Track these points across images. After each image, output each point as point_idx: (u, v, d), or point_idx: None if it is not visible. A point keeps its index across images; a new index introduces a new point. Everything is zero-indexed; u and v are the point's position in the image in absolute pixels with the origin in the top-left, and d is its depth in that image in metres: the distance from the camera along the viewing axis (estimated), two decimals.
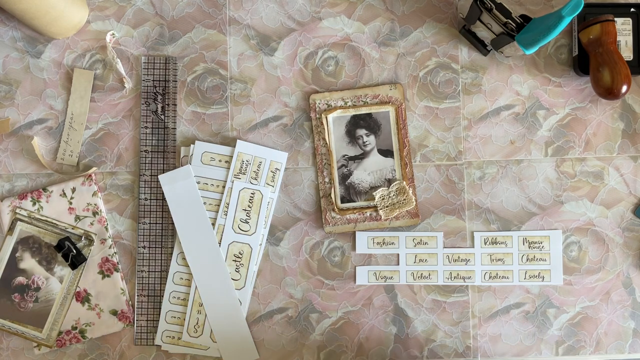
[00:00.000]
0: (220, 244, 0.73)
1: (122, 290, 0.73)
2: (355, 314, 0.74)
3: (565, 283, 0.74)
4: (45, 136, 0.74)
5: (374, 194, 0.73)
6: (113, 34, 0.74)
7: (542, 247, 0.74)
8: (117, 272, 0.73)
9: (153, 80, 0.74)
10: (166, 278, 0.73)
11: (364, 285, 0.74)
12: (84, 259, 0.72)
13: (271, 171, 0.74)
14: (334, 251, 0.74)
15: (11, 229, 0.72)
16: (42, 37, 0.75)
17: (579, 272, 0.75)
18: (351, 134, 0.74)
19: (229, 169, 0.74)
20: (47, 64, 0.75)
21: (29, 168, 0.74)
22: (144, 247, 0.73)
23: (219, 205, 0.73)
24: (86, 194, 0.73)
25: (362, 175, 0.74)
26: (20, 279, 0.72)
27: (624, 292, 0.75)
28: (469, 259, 0.74)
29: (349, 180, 0.74)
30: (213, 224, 0.73)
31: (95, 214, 0.73)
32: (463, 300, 0.74)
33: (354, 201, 0.74)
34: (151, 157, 0.74)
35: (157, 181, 0.74)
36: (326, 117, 0.74)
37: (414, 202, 0.73)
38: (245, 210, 0.73)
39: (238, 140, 0.74)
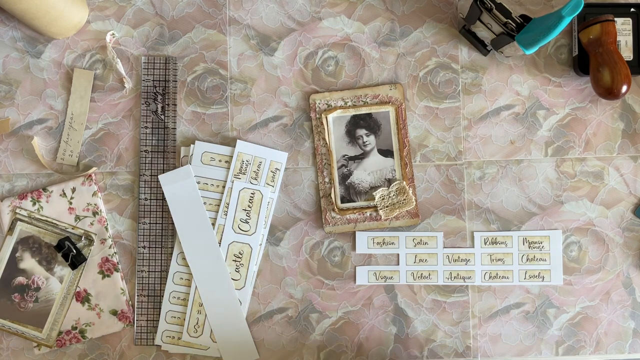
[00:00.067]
0: (220, 244, 0.73)
1: (122, 290, 0.73)
2: (355, 314, 0.74)
3: (565, 283, 0.74)
4: (45, 136, 0.74)
5: (374, 194, 0.73)
6: (113, 34, 0.74)
7: (542, 247, 0.74)
8: (117, 272, 0.73)
9: (153, 80, 0.74)
10: (166, 278, 0.73)
11: (364, 285, 0.74)
12: (84, 259, 0.72)
13: (271, 171, 0.74)
14: (334, 251, 0.74)
15: (11, 229, 0.72)
16: (42, 37, 0.75)
17: (579, 272, 0.75)
18: (351, 134, 0.74)
19: (229, 169, 0.74)
20: (47, 64, 0.75)
21: (29, 168, 0.74)
22: (144, 247, 0.73)
23: (219, 205, 0.73)
24: (86, 194, 0.73)
25: (362, 175, 0.74)
26: (20, 279, 0.72)
27: (624, 292, 0.75)
28: (469, 259, 0.74)
29: (349, 180, 0.74)
30: (213, 224, 0.73)
31: (95, 214, 0.73)
32: (463, 300, 0.74)
33: (354, 201, 0.74)
34: (151, 157, 0.74)
35: (157, 181, 0.74)
36: (326, 117, 0.74)
37: (414, 202, 0.73)
38: (245, 210, 0.73)
39: (238, 140, 0.74)
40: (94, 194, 0.73)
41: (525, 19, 0.67)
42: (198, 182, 0.73)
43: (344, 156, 0.75)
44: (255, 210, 0.73)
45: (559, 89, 0.75)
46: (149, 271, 0.73)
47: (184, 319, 0.73)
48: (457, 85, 0.75)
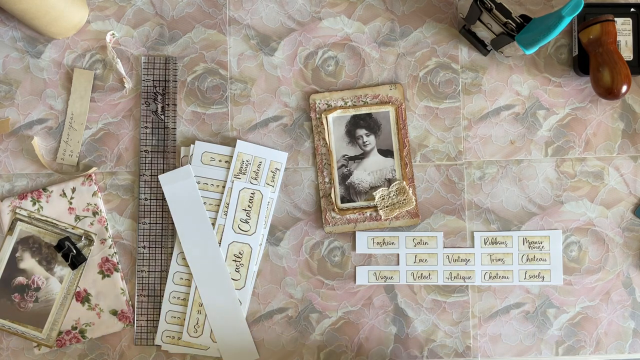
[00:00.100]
0: (220, 244, 0.73)
1: (122, 290, 0.73)
2: (355, 314, 0.74)
3: (565, 283, 0.74)
4: (45, 136, 0.74)
5: (374, 194, 0.73)
6: (113, 34, 0.74)
7: (542, 247, 0.74)
8: (117, 272, 0.73)
9: (153, 80, 0.74)
10: (166, 278, 0.73)
11: (364, 285, 0.74)
12: (84, 259, 0.72)
13: (271, 171, 0.74)
14: (334, 251, 0.74)
15: (11, 229, 0.73)
16: (42, 37, 0.75)
17: (579, 272, 0.75)
18: (351, 134, 0.74)
19: (229, 169, 0.74)
20: (47, 64, 0.75)
21: (29, 168, 0.74)
22: (144, 247, 0.73)
23: (219, 205, 0.73)
24: (86, 194, 0.73)
25: (362, 175, 0.74)
26: (20, 279, 0.72)
27: (624, 292, 0.75)
28: (469, 259, 0.74)
29: (349, 180, 0.74)
30: (213, 224, 0.73)
31: (95, 214, 0.73)
32: (463, 300, 0.74)
33: (354, 201, 0.74)
34: (151, 157, 0.74)
35: (157, 181, 0.74)
36: (326, 117, 0.74)
37: (414, 202, 0.73)
38: (245, 210, 0.73)
39: (238, 140, 0.74)
40: (94, 194, 0.73)
41: (525, 19, 0.67)
42: (198, 182, 0.73)
43: (344, 156, 0.75)
44: (255, 210, 0.73)
45: (559, 89, 0.75)
46: (149, 271, 0.73)
47: (184, 319, 0.73)
48: (457, 85, 0.75)
